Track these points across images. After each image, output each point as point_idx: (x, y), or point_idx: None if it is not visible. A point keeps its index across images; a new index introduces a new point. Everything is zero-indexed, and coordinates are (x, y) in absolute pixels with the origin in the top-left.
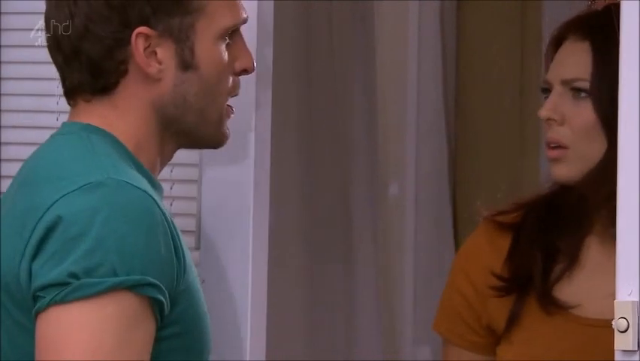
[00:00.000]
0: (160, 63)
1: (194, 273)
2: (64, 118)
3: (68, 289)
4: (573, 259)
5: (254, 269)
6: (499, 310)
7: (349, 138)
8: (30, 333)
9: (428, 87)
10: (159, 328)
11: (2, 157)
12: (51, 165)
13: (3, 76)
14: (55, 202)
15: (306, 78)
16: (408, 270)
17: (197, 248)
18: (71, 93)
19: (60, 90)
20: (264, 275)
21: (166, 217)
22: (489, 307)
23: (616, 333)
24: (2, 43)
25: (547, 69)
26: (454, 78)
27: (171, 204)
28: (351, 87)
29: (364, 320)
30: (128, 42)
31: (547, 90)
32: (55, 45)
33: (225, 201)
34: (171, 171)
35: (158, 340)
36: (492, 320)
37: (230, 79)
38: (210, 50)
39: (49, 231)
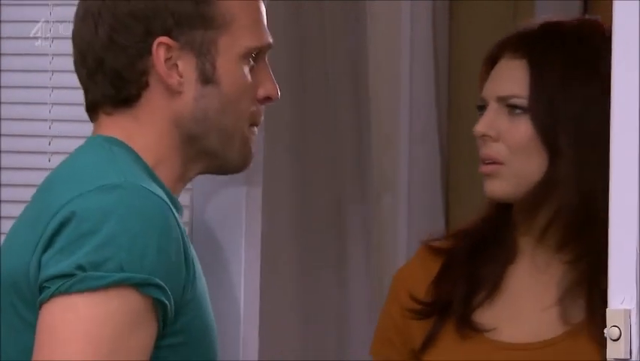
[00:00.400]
0: (181, 75)
1: (203, 285)
2: (57, 125)
3: (73, 280)
4: (495, 286)
5: (246, 277)
6: (419, 332)
7: (342, 147)
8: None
9: (420, 93)
10: (163, 335)
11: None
12: (70, 170)
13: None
14: (70, 200)
15: (299, 84)
16: None
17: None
18: (93, 107)
19: (52, 99)
20: (256, 283)
21: (179, 226)
22: (411, 329)
23: (608, 341)
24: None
25: (481, 88)
26: (447, 81)
27: None
28: (343, 94)
29: (357, 327)
30: (150, 52)
31: (482, 107)
32: (80, 60)
33: (217, 209)
34: None
35: (162, 348)
36: (413, 342)
37: (254, 106)
38: (232, 68)
39: (62, 225)
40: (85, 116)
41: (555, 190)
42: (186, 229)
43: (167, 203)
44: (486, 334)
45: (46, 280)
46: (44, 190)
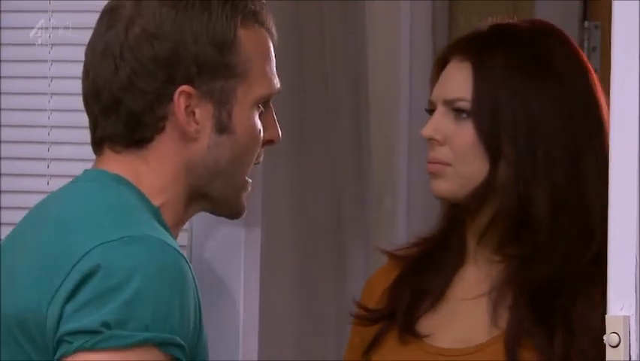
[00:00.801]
0: (197, 123)
1: (204, 330)
2: (56, 132)
3: (99, 338)
4: (441, 293)
5: (245, 280)
6: (370, 335)
7: (341, 150)
8: None
9: (420, 96)
10: None
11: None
12: (84, 210)
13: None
14: (92, 249)
15: (298, 86)
16: None
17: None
18: (100, 143)
19: (52, 105)
20: (256, 289)
21: (194, 279)
22: (365, 333)
23: (607, 348)
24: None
25: (431, 90)
26: None
27: None
28: (343, 97)
29: None
30: (170, 99)
31: (431, 111)
32: (93, 94)
33: (216, 220)
34: None
35: None
36: (365, 345)
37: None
38: (246, 117)
39: (86, 277)
40: (84, 122)
41: (495, 193)
42: (186, 236)
43: (184, 257)
44: (425, 340)
45: (69, 334)
46: (55, 227)
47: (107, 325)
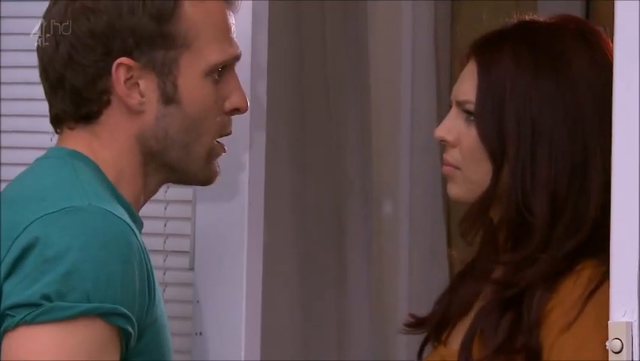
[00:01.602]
0: (142, 95)
1: (162, 308)
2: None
3: (39, 311)
4: (469, 304)
5: (248, 290)
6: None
7: (343, 157)
8: None
9: (422, 101)
10: (123, 359)
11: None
12: (32, 186)
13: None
14: (32, 222)
15: (299, 92)
16: (402, 289)
17: (191, 269)
18: (56, 121)
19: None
20: (258, 295)
21: (142, 250)
22: None
23: (610, 354)
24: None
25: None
26: (448, 89)
27: (165, 225)
28: (344, 103)
29: (357, 338)
30: (110, 72)
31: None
32: (43, 73)
33: (220, 222)
34: (165, 192)
35: None
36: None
37: (220, 117)
38: (195, 86)
39: (25, 251)
40: None
41: (499, 199)
42: (188, 242)
43: (130, 226)
44: (445, 344)
45: (10, 308)
46: (5, 205)
47: (47, 297)
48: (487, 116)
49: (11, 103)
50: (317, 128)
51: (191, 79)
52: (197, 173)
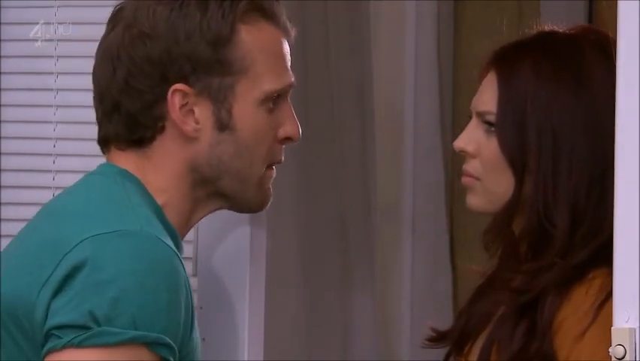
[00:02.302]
0: (197, 122)
1: (197, 335)
2: (61, 145)
3: (87, 334)
4: (488, 318)
5: (251, 296)
6: None
7: (346, 166)
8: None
9: (425, 108)
10: None
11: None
12: (82, 201)
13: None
14: (83, 240)
15: (304, 101)
16: (405, 298)
17: (195, 275)
18: (105, 142)
19: (56, 117)
20: (261, 302)
21: (187, 278)
22: None
23: (613, 360)
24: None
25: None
26: (450, 99)
27: None
28: (347, 113)
29: (361, 347)
30: (166, 98)
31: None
32: (98, 97)
33: (223, 228)
34: None
35: None
36: None
37: (273, 145)
38: (249, 113)
39: (75, 270)
40: (89, 134)
41: (521, 210)
42: (192, 248)
43: (177, 255)
44: (465, 356)
45: (56, 328)
46: (53, 216)
47: (95, 320)
48: (508, 128)
49: (13, 109)
50: (320, 137)
51: (246, 106)
52: (250, 200)
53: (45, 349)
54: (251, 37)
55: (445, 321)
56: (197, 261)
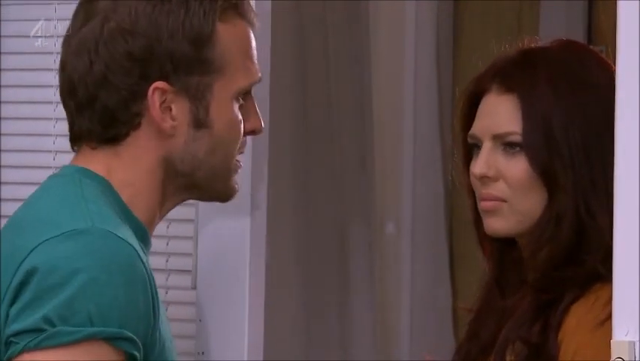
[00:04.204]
0: (173, 119)
1: (166, 329)
2: (61, 157)
3: (43, 336)
4: (494, 337)
5: (250, 309)
6: None
7: (345, 176)
8: None
9: (424, 121)
10: None
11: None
12: (38, 208)
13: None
14: (36, 247)
15: (302, 112)
16: (404, 308)
17: (194, 288)
18: (77, 139)
19: (56, 130)
20: (260, 315)
21: (147, 271)
22: None
23: None
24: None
25: (462, 124)
26: (450, 111)
27: (167, 244)
28: (347, 122)
29: (360, 353)
30: (145, 95)
31: (474, 145)
32: (69, 90)
33: (222, 241)
34: None
35: None
36: None
37: (241, 139)
38: (225, 110)
39: (28, 276)
40: None
41: (558, 225)
42: (190, 261)
43: (134, 248)
44: None
45: (14, 335)
46: (13, 227)
47: (50, 322)
48: (538, 145)
49: (14, 122)
50: (320, 148)
51: (222, 104)
52: (220, 191)
53: (5, 357)
54: (228, 35)
55: (444, 332)
56: (197, 274)
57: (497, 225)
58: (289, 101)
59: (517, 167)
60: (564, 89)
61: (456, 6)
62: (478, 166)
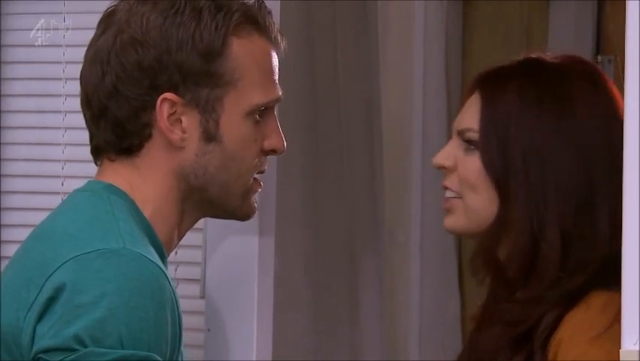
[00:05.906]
0: (184, 132)
1: (183, 348)
2: (69, 166)
3: (75, 356)
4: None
5: (259, 318)
6: None
7: (354, 186)
8: None
9: (433, 131)
10: None
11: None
12: (67, 222)
13: (4, 125)
14: (66, 261)
15: (312, 125)
16: (413, 318)
17: (202, 297)
18: (97, 152)
19: (65, 139)
20: (269, 324)
21: (173, 293)
22: None
23: None
24: (2, 93)
25: None
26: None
27: (176, 253)
28: (356, 135)
29: None
30: (154, 106)
31: None
32: (86, 101)
33: (231, 250)
34: None
35: None
36: None
37: (258, 157)
38: (236, 125)
39: (58, 292)
40: None
41: (508, 232)
42: (199, 270)
43: (162, 270)
44: None
45: (43, 352)
46: (40, 238)
47: (81, 342)
48: (492, 147)
49: (23, 131)
50: (328, 159)
51: (233, 118)
52: (236, 209)
53: None
54: (242, 50)
55: (453, 342)
56: (205, 283)
57: (451, 222)
58: (298, 115)
59: (471, 164)
60: (531, 100)
61: (465, 13)
62: (437, 156)
